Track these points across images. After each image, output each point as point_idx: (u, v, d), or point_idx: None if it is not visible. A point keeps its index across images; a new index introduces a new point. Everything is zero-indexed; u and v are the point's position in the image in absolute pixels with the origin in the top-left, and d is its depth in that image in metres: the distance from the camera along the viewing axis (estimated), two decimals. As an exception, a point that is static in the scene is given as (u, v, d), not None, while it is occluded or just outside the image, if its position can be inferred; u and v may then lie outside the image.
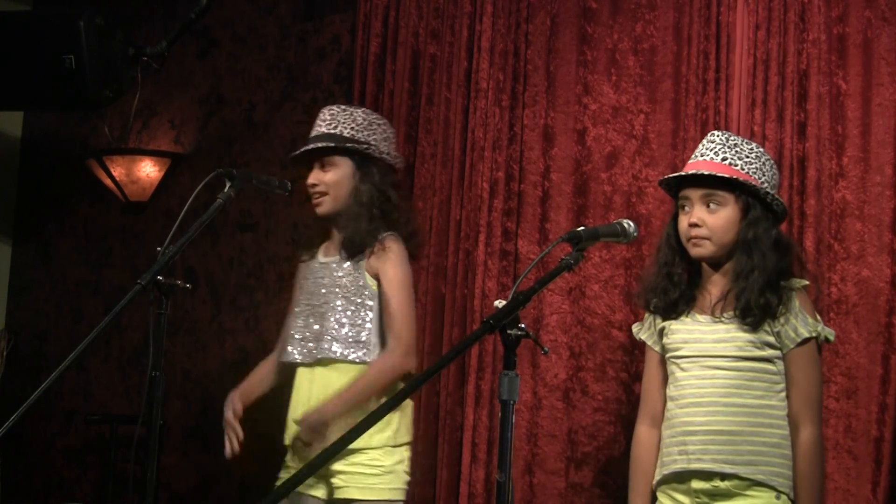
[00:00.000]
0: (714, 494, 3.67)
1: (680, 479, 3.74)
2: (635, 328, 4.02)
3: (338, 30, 6.14)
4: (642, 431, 3.92)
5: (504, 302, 3.00)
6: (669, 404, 3.81)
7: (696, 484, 3.68)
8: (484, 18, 5.40)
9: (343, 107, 4.37)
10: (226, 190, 3.87)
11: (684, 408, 3.73)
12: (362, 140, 4.27)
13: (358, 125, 4.29)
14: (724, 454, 3.65)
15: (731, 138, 3.77)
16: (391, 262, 4.19)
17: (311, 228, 4.49)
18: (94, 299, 6.80)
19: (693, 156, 3.82)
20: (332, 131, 4.27)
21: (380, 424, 3.91)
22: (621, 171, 5.10)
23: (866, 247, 4.62)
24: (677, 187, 3.82)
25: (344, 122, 4.29)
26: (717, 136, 3.78)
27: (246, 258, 6.30)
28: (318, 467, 2.87)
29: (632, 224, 3.44)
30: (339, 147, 4.24)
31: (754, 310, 3.66)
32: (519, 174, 5.30)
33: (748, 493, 3.65)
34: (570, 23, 5.30)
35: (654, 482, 3.83)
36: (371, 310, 4.21)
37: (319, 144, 4.25)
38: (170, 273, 3.62)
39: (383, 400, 4.07)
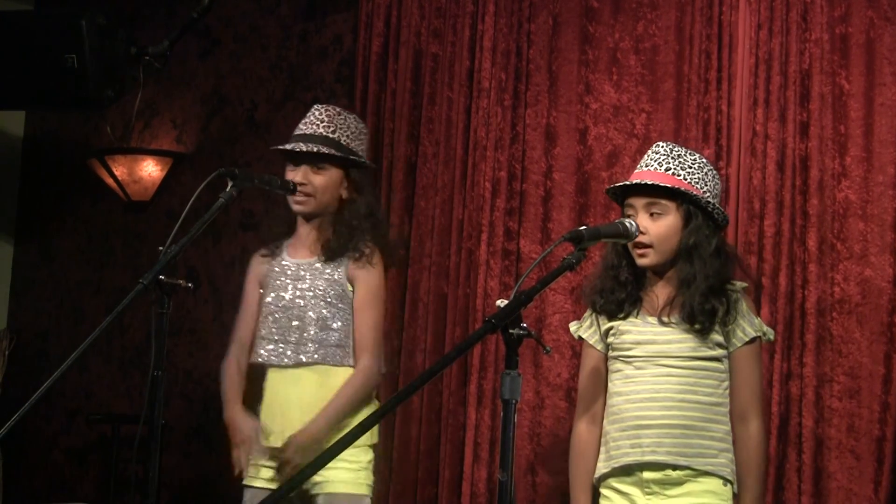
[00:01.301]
0: (665, 483, 3.77)
1: (628, 471, 3.81)
2: (573, 326, 4.06)
3: (339, 29, 6.13)
4: (582, 429, 3.97)
5: (506, 301, 3.00)
6: (616, 399, 3.87)
7: (648, 475, 3.78)
8: (486, 18, 5.40)
9: (338, 110, 4.40)
10: (227, 189, 3.86)
11: (637, 403, 3.82)
12: (355, 150, 4.34)
13: (352, 133, 4.35)
14: (677, 447, 3.74)
15: (675, 149, 3.87)
16: (374, 275, 4.27)
17: (279, 225, 4.48)
18: (95, 299, 6.81)
19: (638, 166, 3.92)
20: (331, 135, 4.29)
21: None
22: (622, 170, 5.10)
23: (869, 246, 4.62)
24: (623, 196, 3.88)
25: (342, 128, 4.33)
26: (662, 147, 3.89)
27: (248, 258, 6.27)
28: (315, 472, 2.88)
29: (633, 223, 3.48)
30: (341, 157, 4.30)
31: (699, 316, 3.77)
32: (521, 174, 5.30)
33: (698, 479, 3.76)
34: (572, 22, 5.30)
35: (597, 476, 3.90)
36: (349, 314, 4.27)
37: (324, 149, 4.27)
38: (171, 272, 3.61)
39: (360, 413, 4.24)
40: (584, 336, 3.98)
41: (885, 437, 4.51)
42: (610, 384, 3.91)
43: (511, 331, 2.98)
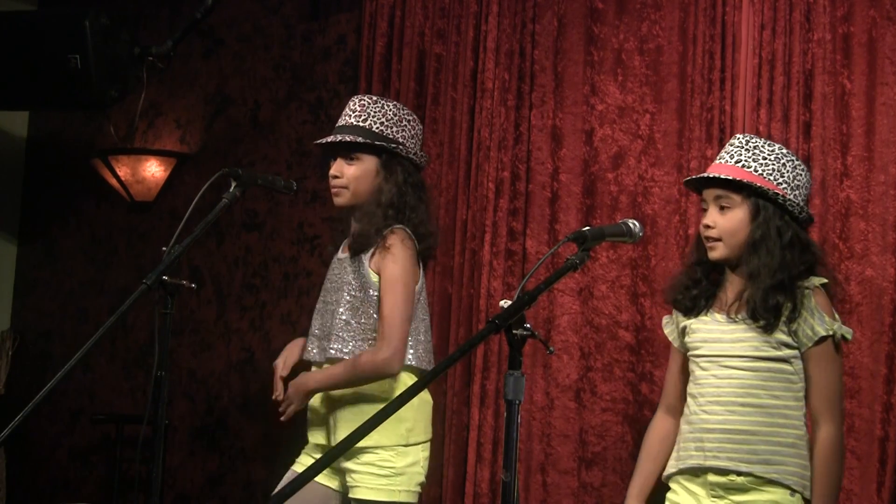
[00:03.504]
0: (729, 488, 3.72)
1: (695, 472, 3.80)
2: (664, 320, 4.10)
3: (343, 29, 6.14)
4: (658, 417, 4.06)
5: (509, 302, 3.00)
6: (689, 401, 3.88)
7: (713, 478, 3.74)
8: (490, 18, 5.40)
9: (375, 98, 4.25)
10: (231, 190, 3.86)
11: (703, 406, 3.79)
12: (391, 137, 4.18)
13: (388, 120, 4.19)
14: (739, 453, 3.70)
15: (752, 140, 3.83)
16: (390, 258, 4.09)
17: (342, 222, 4.41)
18: (99, 299, 6.81)
19: (716, 158, 3.88)
20: (362, 124, 4.17)
21: (392, 421, 3.84)
22: (627, 171, 5.10)
23: (870, 246, 4.62)
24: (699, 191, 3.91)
25: (374, 116, 4.18)
26: (739, 138, 3.87)
27: (251, 258, 6.31)
28: (326, 465, 2.88)
29: (637, 224, 3.45)
30: (367, 143, 4.16)
31: (762, 312, 3.72)
32: (526, 174, 5.30)
33: (763, 488, 3.70)
34: (577, 23, 5.30)
35: (667, 473, 3.91)
36: (374, 308, 4.14)
37: (348, 137, 4.16)
38: (175, 273, 3.62)
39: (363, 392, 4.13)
40: (666, 333, 4.03)
41: (888, 438, 4.50)
42: (688, 386, 3.92)
43: (514, 331, 2.97)
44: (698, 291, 3.88)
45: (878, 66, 4.68)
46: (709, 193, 3.82)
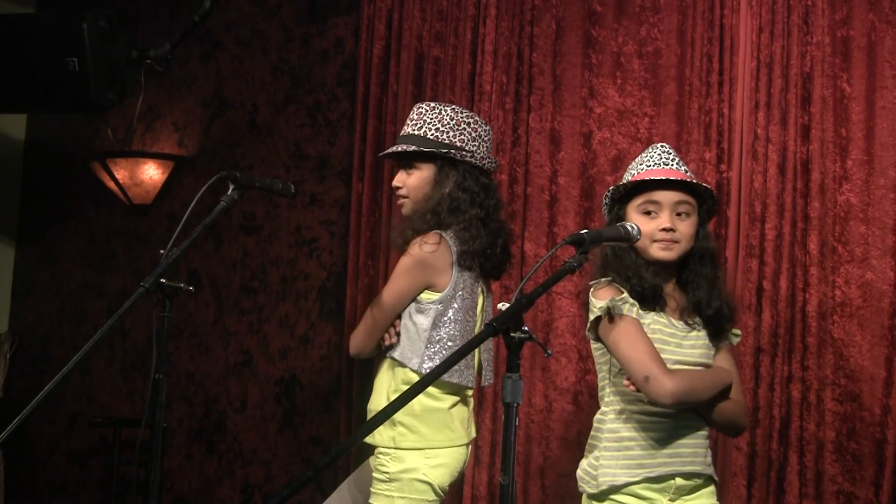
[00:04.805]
0: (689, 489, 3.73)
1: (659, 479, 3.72)
2: (606, 302, 3.68)
3: (341, 32, 6.14)
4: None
5: (507, 304, 2.99)
6: (648, 408, 3.70)
7: (681, 481, 3.71)
8: (488, 21, 5.40)
9: (433, 105, 4.15)
10: (229, 192, 3.84)
11: (675, 413, 3.69)
12: (446, 142, 4.08)
13: (444, 125, 4.09)
14: (706, 455, 3.74)
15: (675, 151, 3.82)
16: (402, 259, 4.04)
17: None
18: (97, 302, 6.81)
19: (651, 163, 3.73)
20: (417, 132, 4.10)
21: (387, 423, 3.90)
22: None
23: (870, 249, 4.63)
24: (633, 190, 3.76)
25: (430, 123, 4.10)
26: (665, 147, 3.79)
27: (249, 261, 6.31)
28: (331, 462, 2.87)
29: (635, 227, 3.43)
30: (420, 151, 4.09)
31: (728, 316, 3.76)
32: (524, 177, 5.30)
33: (706, 485, 3.76)
34: (575, 26, 5.30)
35: (616, 485, 3.71)
36: (405, 314, 4.08)
37: (399, 148, 4.11)
38: (173, 276, 3.61)
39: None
40: (626, 311, 3.68)
41: (886, 441, 4.51)
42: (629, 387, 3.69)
43: (512, 334, 2.96)
44: (657, 280, 3.71)
45: (877, 69, 4.68)
46: (668, 197, 3.69)
